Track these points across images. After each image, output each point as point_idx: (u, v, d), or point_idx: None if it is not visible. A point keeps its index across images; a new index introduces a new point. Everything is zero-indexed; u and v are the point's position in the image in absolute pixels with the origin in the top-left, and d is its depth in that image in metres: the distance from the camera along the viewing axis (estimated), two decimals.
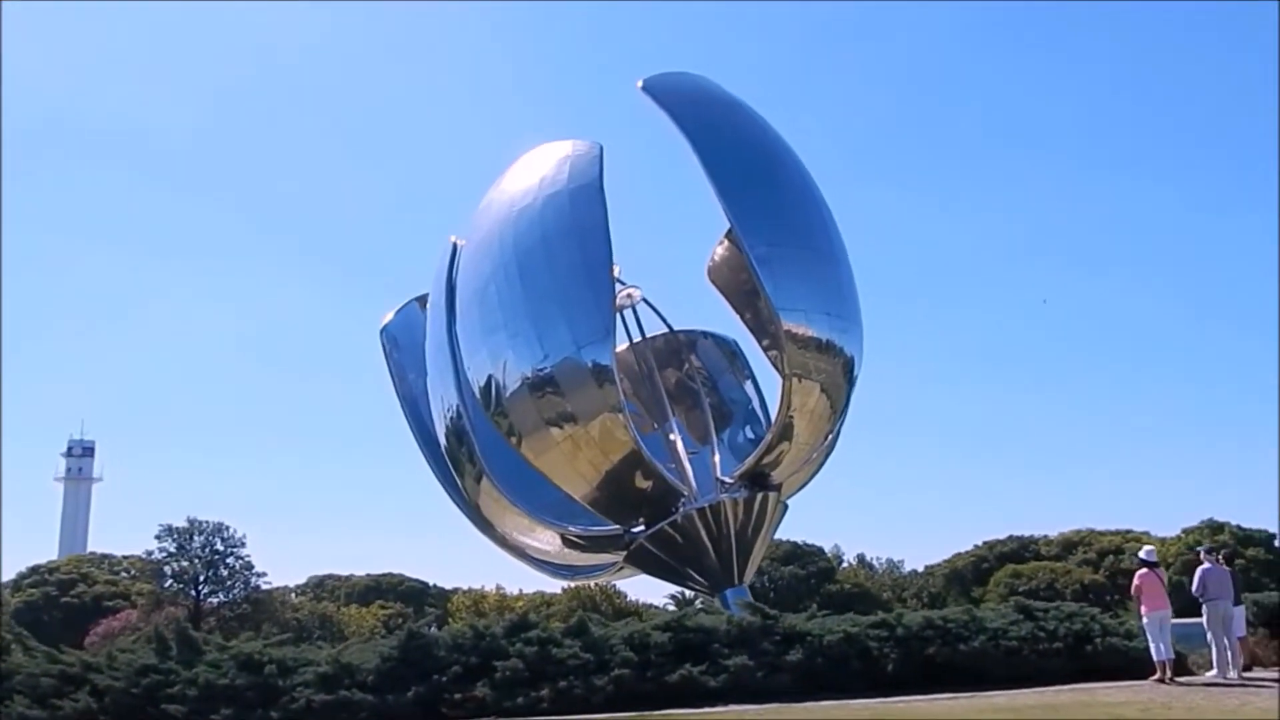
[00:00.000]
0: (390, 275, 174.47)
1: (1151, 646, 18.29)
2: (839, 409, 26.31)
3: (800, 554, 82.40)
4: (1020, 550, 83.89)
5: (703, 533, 25.08)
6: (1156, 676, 17.96)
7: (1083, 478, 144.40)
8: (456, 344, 26.92)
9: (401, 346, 31.48)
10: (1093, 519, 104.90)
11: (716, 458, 27.50)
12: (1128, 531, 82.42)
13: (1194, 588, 19.07)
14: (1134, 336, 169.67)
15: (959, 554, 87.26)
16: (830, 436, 27.15)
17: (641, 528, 25.83)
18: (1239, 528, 75.92)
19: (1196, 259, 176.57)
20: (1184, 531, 78.20)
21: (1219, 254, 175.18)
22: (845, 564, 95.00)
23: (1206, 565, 19.29)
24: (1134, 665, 18.69)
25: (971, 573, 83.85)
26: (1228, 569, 19.50)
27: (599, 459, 24.47)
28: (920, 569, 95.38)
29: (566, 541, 27.43)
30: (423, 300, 30.69)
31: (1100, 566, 78.04)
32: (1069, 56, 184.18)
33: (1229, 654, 18.47)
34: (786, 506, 27.30)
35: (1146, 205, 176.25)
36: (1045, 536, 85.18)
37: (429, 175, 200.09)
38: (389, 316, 32.22)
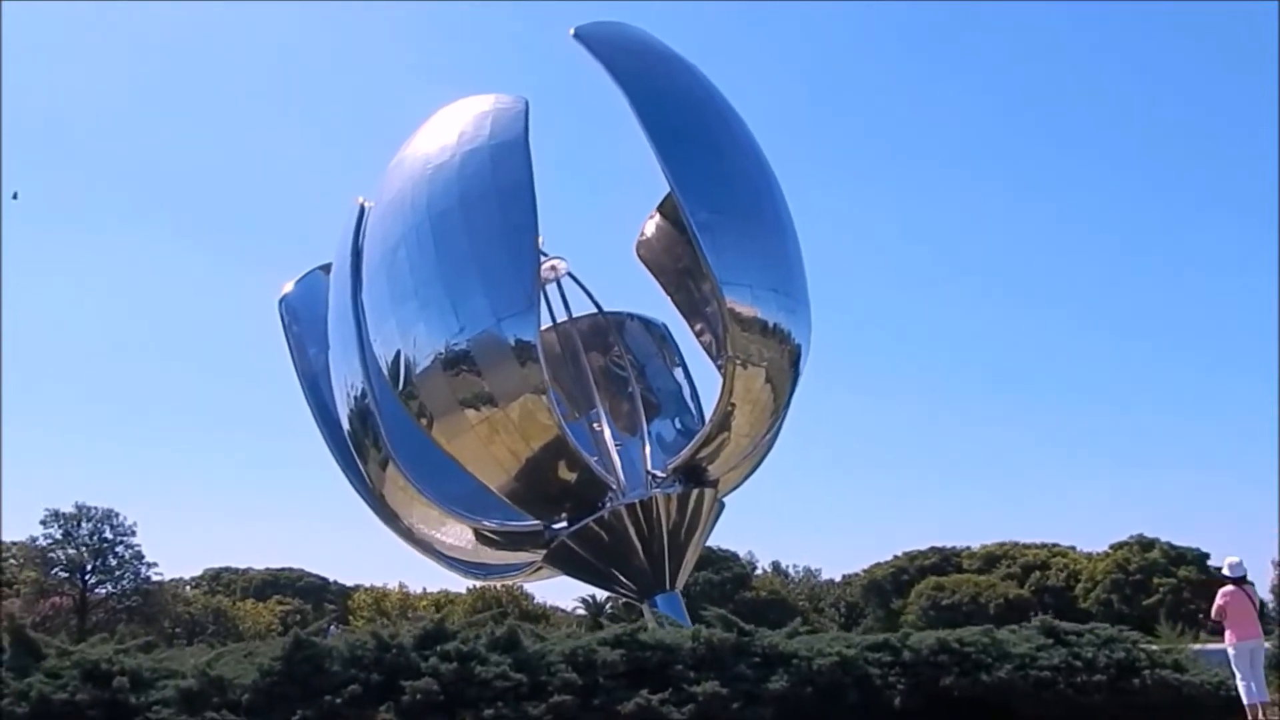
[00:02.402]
0: (291, 243, 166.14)
1: (1241, 686, 15.70)
2: (783, 400, 24.14)
3: (714, 559, 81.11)
4: (942, 563, 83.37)
5: (632, 531, 22.70)
6: None
7: (1007, 488, 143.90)
8: (362, 315, 24.35)
9: (302, 319, 28.69)
10: (1017, 531, 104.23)
11: (647, 449, 25.12)
12: (1053, 545, 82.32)
13: None
14: (1059, 348, 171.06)
15: (878, 564, 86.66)
16: (771, 431, 24.99)
17: (564, 524, 23.41)
18: (1170, 545, 75.77)
19: (1123, 276, 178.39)
20: (1113, 547, 78.07)
21: (1147, 271, 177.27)
22: (760, 571, 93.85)
23: None
24: (1187, 704, 16.26)
25: (891, 584, 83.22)
26: None
27: (519, 445, 21.93)
28: (838, 578, 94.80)
29: (480, 537, 24.89)
30: (327, 269, 27.94)
31: (1025, 581, 77.69)
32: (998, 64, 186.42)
33: None
34: (723, 505, 25.06)
35: (1077, 222, 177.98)
36: (968, 548, 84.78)
37: (332, 132, 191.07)
38: (288, 287, 29.43)
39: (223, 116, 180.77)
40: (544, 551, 24.00)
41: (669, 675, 15.18)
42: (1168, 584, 73.11)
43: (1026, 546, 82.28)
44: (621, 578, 23.92)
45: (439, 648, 15.15)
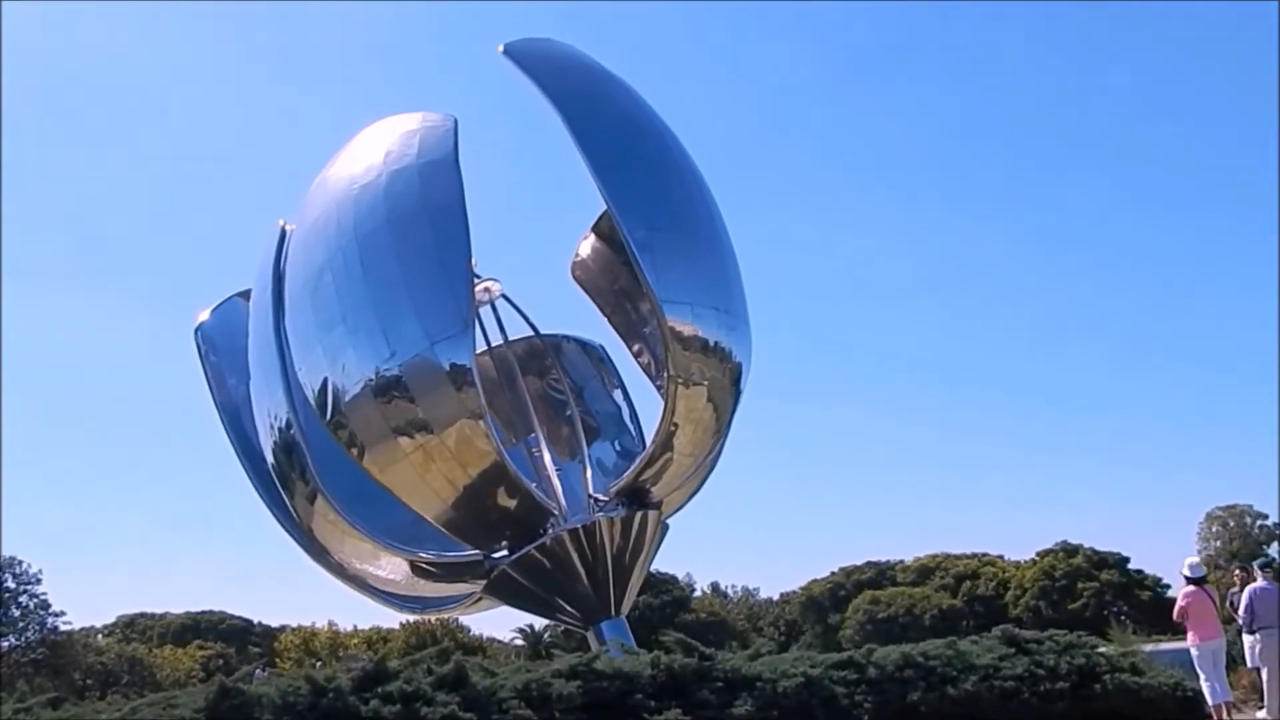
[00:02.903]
0: (203, 273, 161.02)
1: (1205, 686, 15.73)
2: (725, 419, 23.70)
3: (653, 583, 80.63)
4: (878, 577, 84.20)
5: (575, 557, 21.99)
6: None
7: (937, 500, 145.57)
8: (285, 343, 23.38)
9: (220, 349, 27.57)
10: (948, 543, 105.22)
11: (588, 473, 24.43)
12: (983, 555, 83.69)
13: (1240, 612, 16.45)
14: (982, 354, 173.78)
15: (815, 580, 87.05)
16: (714, 451, 24.52)
17: (504, 553, 22.63)
18: (1094, 550, 77.60)
19: (1046, 286, 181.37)
20: (1039, 555, 79.71)
21: (1070, 281, 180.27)
22: (698, 593, 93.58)
23: (1261, 584, 16.53)
24: (1146, 708, 16.13)
25: (829, 600, 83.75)
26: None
27: (455, 473, 21.13)
28: (776, 597, 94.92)
29: (416, 569, 23.92)
30: (247, 295, 26.91)
31: (958, 592, 78.84)
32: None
33: None
34: (667, 527, 24.50)
35: (1013, 226, 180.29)
36: (902, 562, 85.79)
37: (249, 156, 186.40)
38: (204, 315, 28.26)
39: (124, 141, 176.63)
40: (484, 582, 23.19)
41: (629, 705, 14.50)
42: (1091, 588, 75.02)
43: (958, 557, 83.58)
44: (565, 605, 23.21)
45: (380, 689, 14.25)
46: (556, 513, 22.53)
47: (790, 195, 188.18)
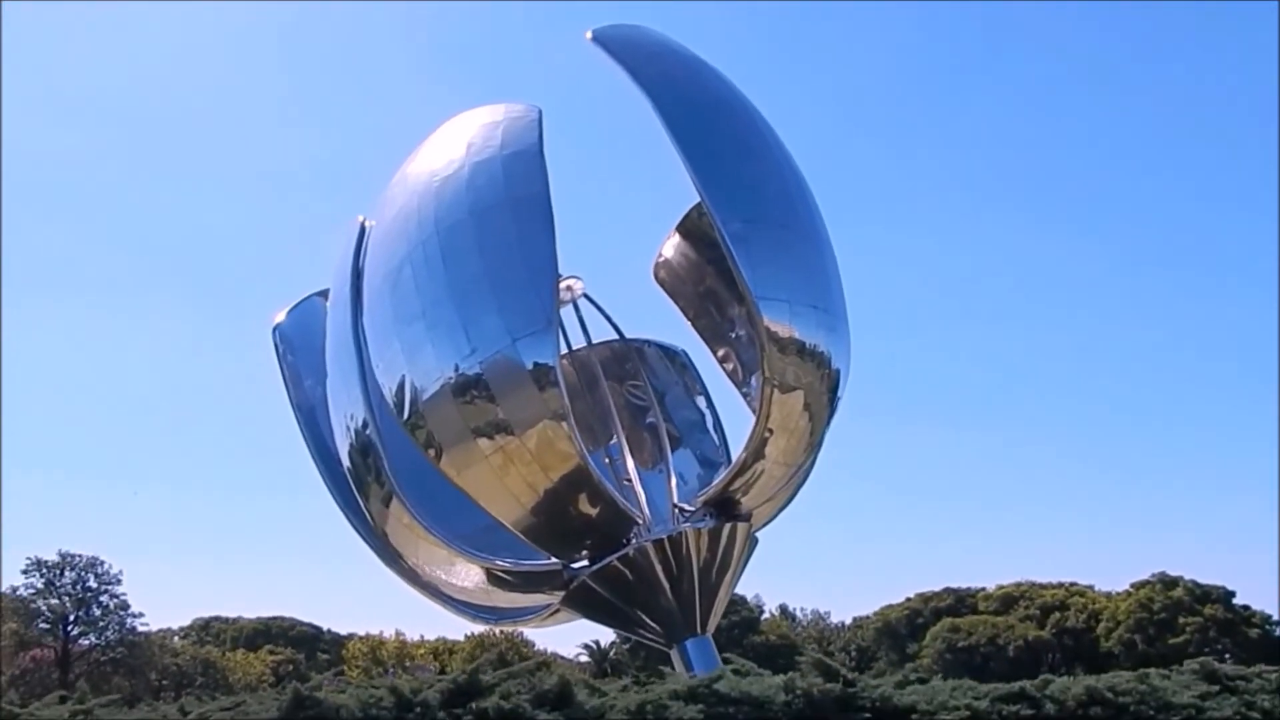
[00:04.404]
0: (284, 275, 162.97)
1: None
2: (820, 428, 22.35)
3: None
4: (957, 604, 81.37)
5: (659, 569, 20.80)
6: None
7: (1023, 527, 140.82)
8: (363, 341, 22.63)
9: (297, 348, 26.93)
10: (1033, 570, 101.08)
11: (672, 482, 23.26)
12: (1071, 585, 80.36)
13: None
14: (1075, 377, 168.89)
15: (890, 606, 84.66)
16: (807, 463, 23.16)
17: (584, 562, 21.56)
18: (1194, 583, 73.98)
19: (1142, 300, 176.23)
20: (1134, 586, 76.15)
21: (1166, 295, 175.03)
22: (767, 615, 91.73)
23: None
24: None
25: (905, 626, 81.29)
26: None
27: (536, 476, 20.11)
28: (848, 621, 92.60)
29: (492, 578, 22.91)
30: (325, 294, 26.25)
31: (1044, 623, 75.72)
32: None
33: None
34: (756, 541, 23.15)
35: (1098, 246, 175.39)
36: (984, 590, 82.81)
37: (328, 157, 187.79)
38: (281, 315, 27.64)
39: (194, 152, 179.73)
40: (562, 593, 22.11)
41: None
42: (1194, 623, 71.39)
43: (1044, 587, 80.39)
44: (647, 620, 22.00)
45: (474, 705, 13.06)
46: (640, 522, 21.37)
47: (886, 203, 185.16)
